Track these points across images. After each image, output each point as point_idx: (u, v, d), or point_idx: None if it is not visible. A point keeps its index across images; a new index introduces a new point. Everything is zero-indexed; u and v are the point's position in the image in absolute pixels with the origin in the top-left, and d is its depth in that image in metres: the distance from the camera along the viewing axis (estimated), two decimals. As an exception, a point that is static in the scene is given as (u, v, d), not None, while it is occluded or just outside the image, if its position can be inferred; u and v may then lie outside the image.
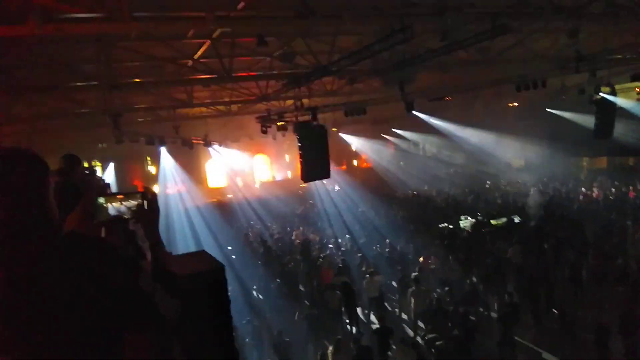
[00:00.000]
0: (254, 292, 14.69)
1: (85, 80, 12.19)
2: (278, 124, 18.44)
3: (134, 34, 10.18)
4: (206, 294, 2.26)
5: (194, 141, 21.88)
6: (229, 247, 18.41)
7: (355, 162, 36.44)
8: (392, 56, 13.08)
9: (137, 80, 13.27)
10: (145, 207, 2.29)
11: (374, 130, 32.25)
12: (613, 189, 21.42)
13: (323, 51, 12.75)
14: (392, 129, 32.16)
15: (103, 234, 2.36)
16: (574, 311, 10.82)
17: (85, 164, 20.11)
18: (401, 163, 33.77)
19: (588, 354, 9.57)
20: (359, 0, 8.81)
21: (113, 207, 2.34)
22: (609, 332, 9.33)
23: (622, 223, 15.90)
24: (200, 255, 2.70)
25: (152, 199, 2.30)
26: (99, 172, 26.56)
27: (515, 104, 26.87)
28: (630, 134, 20.66)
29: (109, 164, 28.49)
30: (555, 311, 10.68)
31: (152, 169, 32.05)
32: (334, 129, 28.82)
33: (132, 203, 2.33)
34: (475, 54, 14.72)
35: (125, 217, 2.29)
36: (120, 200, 2.35)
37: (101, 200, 2.33)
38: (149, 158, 31.40)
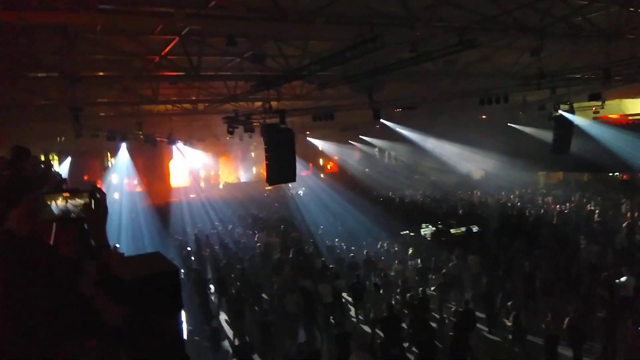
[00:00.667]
0: (212, 297, 14.48)
1: (46, 71, 11.75)
2: (245, 125, 18.30)
3: (99, 26, 9.89)
4: (158, 297, 2.19)
5: (157, 139, 21.44)
6: (189, 248, 18.10)
7: (326, 166, 36.62)
8: (362, 64, 13.21)
9: (101, 74, 12.90)
10: (93, 207, 2.15)
11: (341, 136, 32.49)
12: (568, 204, 22.25)
13: (294, 55, 12.75)
14: (360, 136, 32.49)
15: (53, 233, 2.26)
16: (526, 320, 11.19)
17: (42, 157, 19.48)
18: (366, 170, 34.12)
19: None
20: (332, 7, 8.84)
21: (57, 206, 2.16)
22: (557, 341, 9.67)
23: (576, 236, 16.52)
24: (155, 257, 2.61)
25: (101, 198, 2.17)
26: (55, 167, 25.66)
27: (481, 117, 27.61)
28: (586, 151, 21.53)
29: (66, 158, 27.58)
30: (506, 321, 10.98)
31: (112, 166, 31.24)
32: (308, 133, 28.89)
33: (79, 202, 2.16)
34: (443, 66, 15.05)
35: (72, 216, 2.14)
36: (66, 198, 2.18)
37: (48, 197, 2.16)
38: (109, 154, 30.56)
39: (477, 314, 11.59)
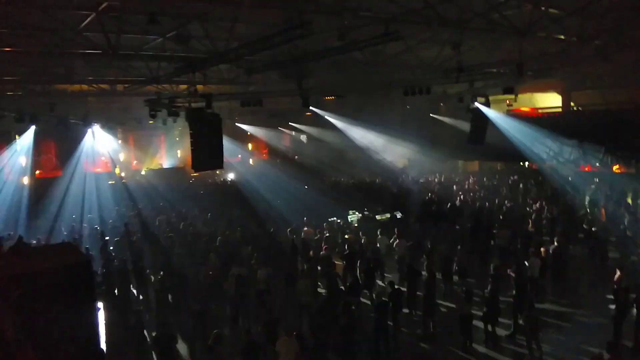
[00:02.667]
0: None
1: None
2: (169, 108, 17.59)
3: (3, -4, 9.05)
4: (71, 289, 2.05)
5: (71, 120, 20.08)
6: (107, 238, 17.08)
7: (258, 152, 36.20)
8: (291, 50, 13.14)
9: (7, 49, 11.81)
10: None
11: (270, 122, 32.26)
12: (483, 192, 23.70)
13: (221, 38, 12.39)
14: (290, 123, 32.48)
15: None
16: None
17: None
18: (296, 157, 34.14)
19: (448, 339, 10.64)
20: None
21: None
22: (472, 320, 10.35)
23: (490, 222, 17.62)
24: (65, 247, 2.44)
25: None
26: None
27: (403, 107, 28.53)
28: (499, 142, 23.00)
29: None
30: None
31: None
32: (237, 119, 28.37)
33: None
34: (369, 56, 15.36)
35: None
36: None
37: None
38: (17, 136, 28.24)
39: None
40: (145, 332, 10.59)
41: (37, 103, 18.69)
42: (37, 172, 28.08)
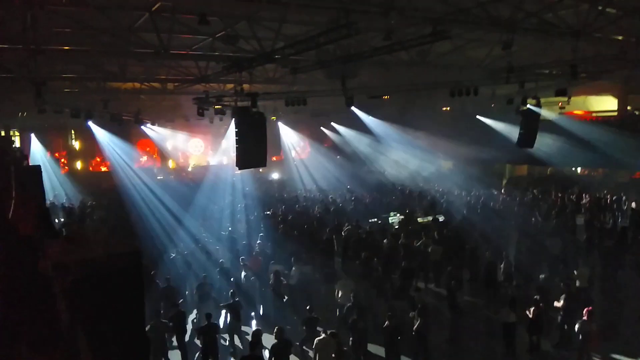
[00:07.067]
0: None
1: (9, 43, 11.22)
2: (216, 107, 17.99)
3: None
4: (120, 277, 2.14)
5: (124, 117, 20.88)
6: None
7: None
8: (336, 50, 13.15)
9: (66, 47, 12.40)
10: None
11: (313, 122, 32.31)
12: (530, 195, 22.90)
13: (267, 38, 12.56)
14: (332, 123, 32.25)
15: (12, 209, 2.17)
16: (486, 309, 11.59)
17: (2, 133, 18.74)
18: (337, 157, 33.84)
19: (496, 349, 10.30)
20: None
21: None
22: (515, 328, 10.03)
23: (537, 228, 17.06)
24: (119, 236, 2.54)
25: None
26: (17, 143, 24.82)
27: (448, 109, 27.96)
28: (550, 146, 22.15)
29: (29, 134, 26.71)
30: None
31: (75, 144, 30.50)
32: (273, 118, 28.59)
33: None
34: (416, 56, 15.15)
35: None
36: None
37: None
38: (73, 131, 29.70)
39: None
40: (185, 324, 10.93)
41: (91, 99, 19.52)
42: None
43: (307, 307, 10.59)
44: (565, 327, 10.34)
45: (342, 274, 13.49)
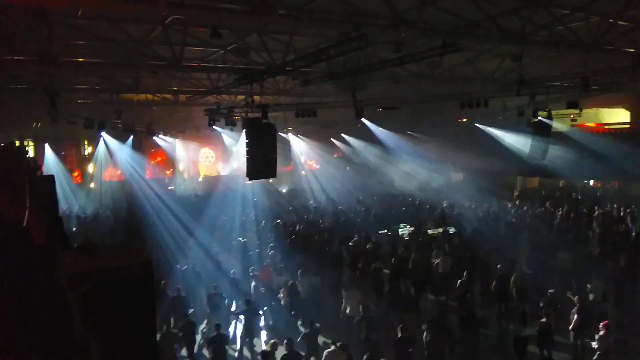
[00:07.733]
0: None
1: (25, 55, 11.47)
2: (227, 118, 18.16)
3: (80, 11, 9.69)
4: (131, 287, 2.17)
5: (137, 128, 21.14)
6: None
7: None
8: (346, 62, 13.25)
9: (80, 60, 12.64)
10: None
11: (323, 133, 32.34)
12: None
13: (278, 50, 12.69)
14: (342, 134, 32.29)
15: (26, 219, 2.22)
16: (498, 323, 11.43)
17: (17, 142, 19.05)
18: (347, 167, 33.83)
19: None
20: (318, 3, 8.83)
21: None
22: (527, 342, 9.88)
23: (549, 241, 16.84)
24: (128, 248, 2.58)
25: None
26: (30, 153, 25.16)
27: (459, 120, 27.85)
28: (561, 158, 21.97)
29: (43, 144, 27.06)
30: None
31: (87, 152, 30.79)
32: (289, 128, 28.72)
33: None
34: (425, 68, 15.19)
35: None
36: None
37: None
38: (86, 142, 30.03)
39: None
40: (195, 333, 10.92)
41: (104, 111, 19.80)
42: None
43: (310, 321, 10.45)
44: (579, 342, 10.18)
45: (349, 285, 13.39)
